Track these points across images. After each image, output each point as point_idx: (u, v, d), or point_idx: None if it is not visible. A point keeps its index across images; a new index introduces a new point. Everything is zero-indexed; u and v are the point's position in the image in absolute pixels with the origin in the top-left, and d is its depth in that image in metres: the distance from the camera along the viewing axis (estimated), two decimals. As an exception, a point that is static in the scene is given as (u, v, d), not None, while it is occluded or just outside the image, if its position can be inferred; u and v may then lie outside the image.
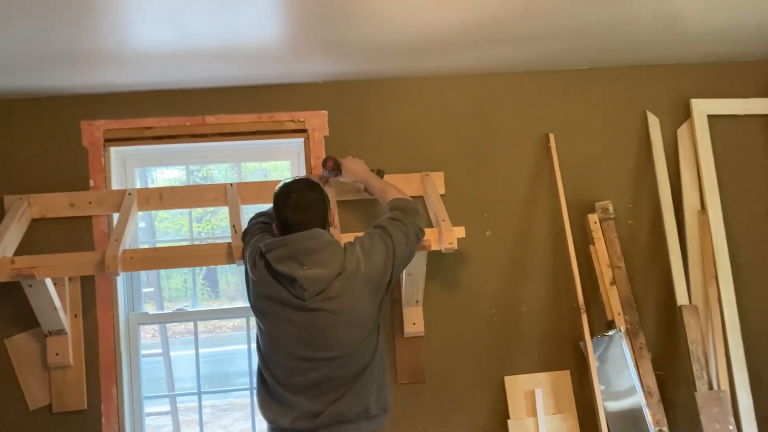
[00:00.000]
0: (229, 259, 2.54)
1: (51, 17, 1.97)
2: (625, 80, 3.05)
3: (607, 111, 3.05)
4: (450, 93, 2.99)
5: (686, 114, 3.06)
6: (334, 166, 2.69)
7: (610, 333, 2.84)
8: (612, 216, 2.95)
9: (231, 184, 2.83)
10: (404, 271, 2.69)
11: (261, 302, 2.23)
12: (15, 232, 2.61)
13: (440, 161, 2.95)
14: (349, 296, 2.16)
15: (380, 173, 2.73)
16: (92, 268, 2.51)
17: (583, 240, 2.97)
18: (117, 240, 2.51)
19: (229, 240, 2.58)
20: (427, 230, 2.58)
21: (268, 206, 2.55)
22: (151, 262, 2.56)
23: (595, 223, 2.94)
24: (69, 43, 2.21)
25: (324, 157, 2.77)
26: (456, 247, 2.59)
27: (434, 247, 2.62)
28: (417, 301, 2.84)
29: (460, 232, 2.64)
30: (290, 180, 2.32)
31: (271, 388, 2.26)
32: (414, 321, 2.86)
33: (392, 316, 2.88)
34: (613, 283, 2.90)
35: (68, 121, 2.81)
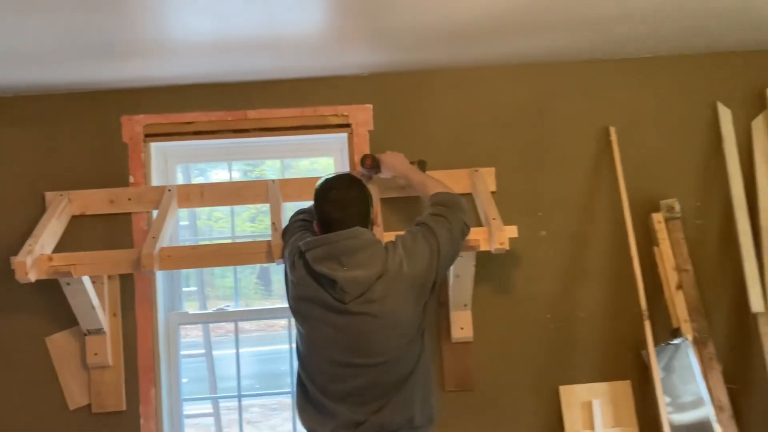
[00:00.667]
0: (269, 257, 2.45)
1: (88, 6, 1.91)
2: (693, 69, 2.86)
3: (674, 102, 2.86)
4: (502, 84, 2.85)
5: (761, 105, 2.84)
6: (373, 164, 2.57)
7: (676, 341, 2.66)
8: (678, 215, 2.76)
9: (273, 181, 2.75)
10: (451, 272, 2.58)
11: (300, 304, 2.14)
12: (54, 229, 2.57)
13: (491, 156, 2.82)
14: (392, 299, 2.05)
15: (422, 164, 2.60)
16: (129, 266, 2.45)
17: (647, 241, 2.79)
18: (154, 238, 2.44)
19: (269, 238, 2.48)
20: (476, 230, 2.47)
21: (310, 203, 2.46)
22: (189, 261, 2.49)
23: (660, 222, 2.76)
24: (107, 34, 2.15)
25: (362, 155, 2.64)
26: (507, 248, 2.44)
27: (483, 248, 2.48)
28: (465, 305, 2.71)
29: (511, 231, 2.50)
30: (332, 175, 2.22)
31: (311, 395, 2.17)
32: (462, 326, 2.73)
33: (439, 320, 2.76)
34: (680, 287, 2.71)
35: (109, 116, 2.78)
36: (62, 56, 2.35)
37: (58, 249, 2.59)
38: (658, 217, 2.76)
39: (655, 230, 2.76)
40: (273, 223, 2.50)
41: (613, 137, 2.81)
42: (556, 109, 2.84)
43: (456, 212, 2.25)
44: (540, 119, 2.84)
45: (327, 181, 2.19)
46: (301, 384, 2.21)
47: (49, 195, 2.71)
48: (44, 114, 2.77)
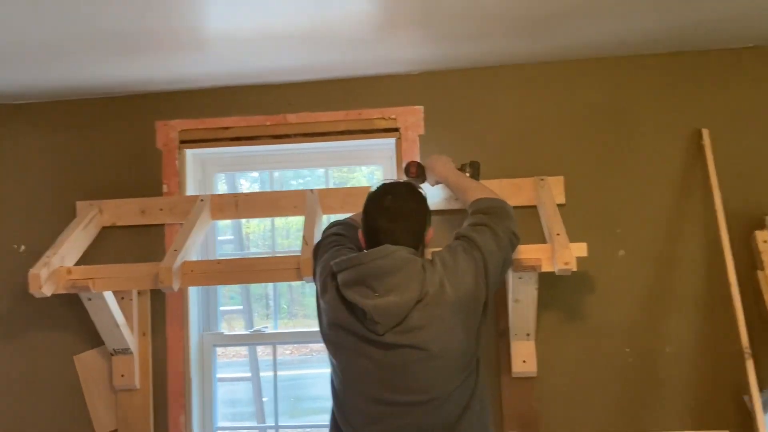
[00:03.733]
0: (298, 275, 2.22)
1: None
2: (805, 59, 2.49)
3: (781, 99, 2.50)
4: (573, 81, 2.56)
5: None
6: (418, 172, 2.28)
7: (788, 386, 2.30)
8: (789, 233, 2.40)
9: (312, 191, 2.53)
10: (510, 296, 2.25)
11: (333, 332, 1.87)
12: (78, 240, 2.44)
13: (560, 164, 2.53)
14: (436, 327, 1.76)
15: (474, 166, 2.30)
16: (150, 281, 2.26)
17: (749, 264, 2.43)
18: (176, 251, 2.25)
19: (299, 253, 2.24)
20: (537, 247, 2.18)
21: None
22: (213, 277, 2.28)
23: (765, 242, 2.41)
24: (139, 26, 2.02)
25: (406, 162, 2.36)
26: (573, 269, 2.11)
27: (546, 268, 2.15)
28: (528, 335, 2.38)
29: (579, 249, 2.15)
30: (390, 181, 1.97)
31: None
32: (524, 358, 2.40)
33: (498, 351, 2.45)
34: (791, 320, 2.34)
35: (143, 122, 2.67)
36: (85, 48, 2.19)
37: (86, 262, 2.46)
38: (762, 236, 2.41)
39: (759, 251, 2.40)
40: (304, 237, 2.25)
41: (707, 141, 2.47)
42: (636, 109, 2.54)
43: (501, 220, 1.94)
44: (618, 121, 2.54)
45: (384, 185, 1.94)
46: (335, 424, 1.95)
47: (80, 204, 2.61)
48: (76, 120, 2.69)
